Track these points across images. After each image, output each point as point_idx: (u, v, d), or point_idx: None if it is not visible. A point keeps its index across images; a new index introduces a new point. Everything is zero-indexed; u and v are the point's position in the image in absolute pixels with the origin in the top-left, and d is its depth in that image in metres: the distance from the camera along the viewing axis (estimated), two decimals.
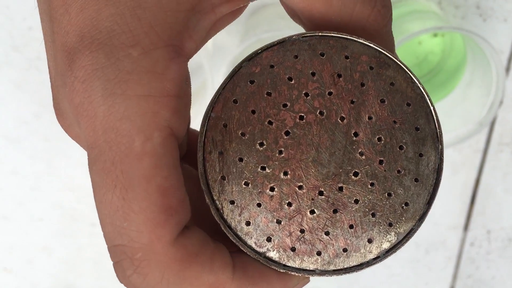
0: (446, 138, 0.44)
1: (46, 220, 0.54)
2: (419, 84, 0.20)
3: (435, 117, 0.20)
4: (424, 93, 0.20)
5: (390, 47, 0.21)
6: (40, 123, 0.50)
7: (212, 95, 0.20)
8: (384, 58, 0.20)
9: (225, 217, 0.20)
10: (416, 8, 0.43)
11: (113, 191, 0.17)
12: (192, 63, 0.21)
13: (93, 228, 0.54)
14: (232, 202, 0.20)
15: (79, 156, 0.51)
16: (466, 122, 0.44)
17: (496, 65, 0.40)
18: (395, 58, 0.20)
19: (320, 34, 0.20)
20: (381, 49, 0.20)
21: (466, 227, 0.54)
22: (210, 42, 0.42)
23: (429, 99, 0.20)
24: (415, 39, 0.46)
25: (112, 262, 0.19)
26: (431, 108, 0.20)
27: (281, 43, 0.20)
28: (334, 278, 0.56)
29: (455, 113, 0.45)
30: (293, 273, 0.20)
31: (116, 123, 0.17)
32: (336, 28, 0.20)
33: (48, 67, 0.19)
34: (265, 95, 0.19)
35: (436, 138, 0.20)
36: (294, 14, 0.21)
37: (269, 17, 0.43)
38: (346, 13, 0.19)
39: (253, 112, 0.19)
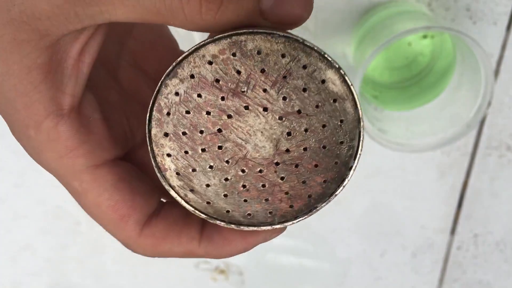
0: (435, 139, 0.44)
1: (30, 218, 0.53)
2: (307, 43, 0.21)
3: (329, 60, 0.21)
4: (316, 51, 0.21)
5: (244, 12, 0.21)
6: None
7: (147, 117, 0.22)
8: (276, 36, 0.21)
9: (208, 215, 0.23)
10: (406, 9, 0.43)
11: (90, 211, 0.23)
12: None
13: (77, 227, 0.53)
14: (208, 203, 0.23)
15: None
16: (455, 125, 0.44)
17: (485, 64, 0.40)
18: (272, 31, 0.21)
19: (226, 34, 0.21)
20: (291, 35, 0.21)
21: (453, 230, 0.54)
22: (197, 35, 0.42)
23: (318, 49, 0.21)
24: (404, 40, 0.46)
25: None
26: (324, 55, 0.21)
27: (177, 63, 0.21)
28: (320, 279, 0.56)
29: (444, 115, 0.45)
30: (278, 226, 0.23)
31: (64, 177, 0.23)
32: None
33: None
34: (185, 113, 0.22)
35: (341, 75, 0.22)
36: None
37: None
38: (179, 17, 0.20)
39: (184, 134, 0.22)
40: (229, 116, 0.22)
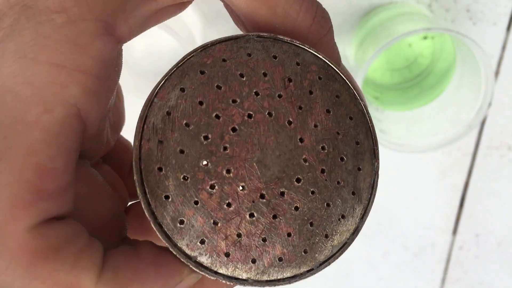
0: (435, 140, 0.44)
1: None
2: (361, 101, 0.20)
3: (373, 134, 0.20)
4: (365, 110, 0.20)
5: (334, 56, 0.21)
6: None
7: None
8: (332, 71, 0.20)
9: (156, 213, 0.18)
10: (407, 10, 0.44)
11: None
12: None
13: None
14: (166, 197, 0.18)
15: None
16: (455, 125, 0.44)
17: (485, 65, 0.40)
18: (341, 73, 0.20)
19: (274, 37, 0.19)
20: (330, 62, 0.20)
21: (455, 230, 0.54)
22: (199, 39, 0.42)
23: (369, 117, 0.20)
24: (405, 42, 0.46)
25: None
26: (370, 125, 0.20)
27: (235, 39, 0.19)
28: (322, 280, 0.56)
29: (444, 116, 0.45)
30: (224, 281, 0.18)
31: (17, 87, 0.16)
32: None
33: None
34: (215, 88, 0.18)
35: (373, 155, 0.20)
36: (237, 19, 0.21)
37: None
38: (289, 22, 0.19)
39: (201, 103, 0.18)
40: (270, 114, 0.19)
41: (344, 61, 0.46)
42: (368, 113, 0.20)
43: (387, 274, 0.56)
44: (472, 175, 0.52)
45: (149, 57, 0.45)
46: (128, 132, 0.23)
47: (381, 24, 0.43)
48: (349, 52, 0.46)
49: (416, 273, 0.56)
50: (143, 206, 0.18)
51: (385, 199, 0.53)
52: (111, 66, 0.17)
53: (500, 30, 0.46)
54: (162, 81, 0.18)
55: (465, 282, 0.56)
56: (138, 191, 0.18)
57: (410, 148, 0.44)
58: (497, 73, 0.47)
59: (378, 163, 0.20)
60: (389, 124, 0.46)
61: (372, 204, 0.20)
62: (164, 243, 0.18)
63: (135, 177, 0.18)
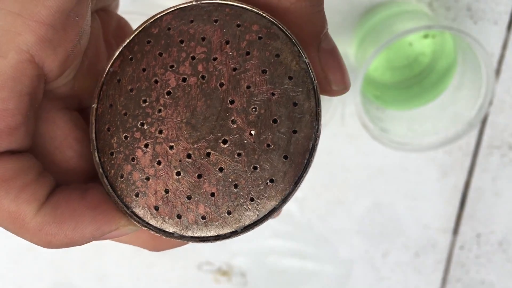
0: (436, 139, 0.44)
1: None
2: (305, 59, 0.20)
3: (316, 95, 0.19)
4: (309, 69, 0.20)
5: (313, 22, 0.20)
6: None
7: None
8: (275, 29, 0.20)
9: (104, 167, 0.20)
10: (407, 9, 0.43)
11: None
12: None
13: None
14: (111, 154, 0.20)
15: None
16: (456, 124, 0.44)
17: (486, 63, 0.40)
18: (286, 30, 0.20)
19: (218, 1, 0.20)
20: (274, 20, 0.20)
21: (455, 230, 0.54)
22: None
23: (313, 75, 0.20)
24: (405, 41, 0.46)
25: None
26: (314, 85, 0.19)
27: (182, 8, 0.20)
28: (323, 280, 0.56)
29: (445, 115, 0.45)
30: (153, 232, 0.20)
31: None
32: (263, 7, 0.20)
33: None
34: (157, 55, 0.20)
35: (315, 117, 0.19)
36: None
37: None
38: None
39: (144, 70, 0.20)
40: (203, 78, 0.20)
41: (345, 60, 0.46)
42: (312, 72, 0.20)
43: (388, 274, 0.56)
44: (473, 175, 0.51)
45: None
46: None
47: (382, 23, 0.42)
48: (350, 50, 0.46)
49: (417, 273, 0.56)
50: (94, 161, 0.20)
51: (385, 198, 0.53)
52: (69, 17, 0.18)
53: (501, 29, 0.46)
54: (116, 52, 0.21)
55: (466, 282, 0.56)
56: (91, 148, 0.20)
57: (411, 147, 0.44)
58: (498, 71, 0.47)
59: (319, 127, 0.19)
60: (390, 123, 0.45)
61: (308, 170, 0.19)
62: (108, 193, 0.20)
63: (90, 136, 0.20)
